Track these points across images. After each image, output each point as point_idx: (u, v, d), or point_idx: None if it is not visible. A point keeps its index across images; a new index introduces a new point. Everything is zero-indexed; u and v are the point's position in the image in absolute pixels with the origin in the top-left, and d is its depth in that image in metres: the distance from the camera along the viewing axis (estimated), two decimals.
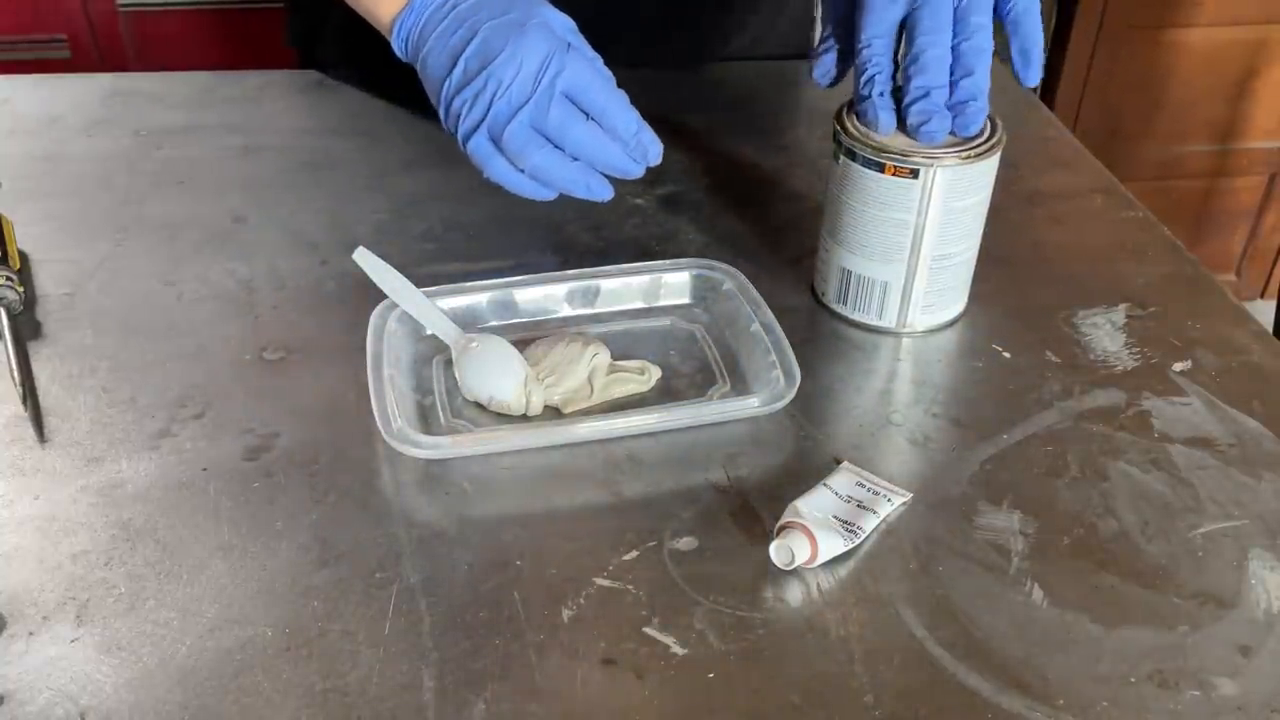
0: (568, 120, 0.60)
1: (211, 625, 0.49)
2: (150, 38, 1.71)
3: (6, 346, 0.63)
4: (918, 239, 0.63)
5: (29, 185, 0.80)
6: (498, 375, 0.60)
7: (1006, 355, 0.66)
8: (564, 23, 0.62)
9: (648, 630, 0.49)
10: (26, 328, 0.66)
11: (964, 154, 0.61)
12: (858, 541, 0.52)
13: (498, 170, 0.63)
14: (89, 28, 1.70)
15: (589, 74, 0.60)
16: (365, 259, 0.64)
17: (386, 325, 0.63)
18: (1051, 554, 0.54)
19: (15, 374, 0.61)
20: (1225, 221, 2.11)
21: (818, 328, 0.68)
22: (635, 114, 0.61)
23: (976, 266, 0.68)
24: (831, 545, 0.51)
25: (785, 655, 0.48)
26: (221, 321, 0.67)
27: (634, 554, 0.53)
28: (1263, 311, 2.09)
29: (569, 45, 0.60)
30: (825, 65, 0.68)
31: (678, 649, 0.48)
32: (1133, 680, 0.48)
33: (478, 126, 0.61)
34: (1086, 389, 0.64)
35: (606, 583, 0.51)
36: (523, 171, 0.61)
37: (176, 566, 0.52)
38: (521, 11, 0.61)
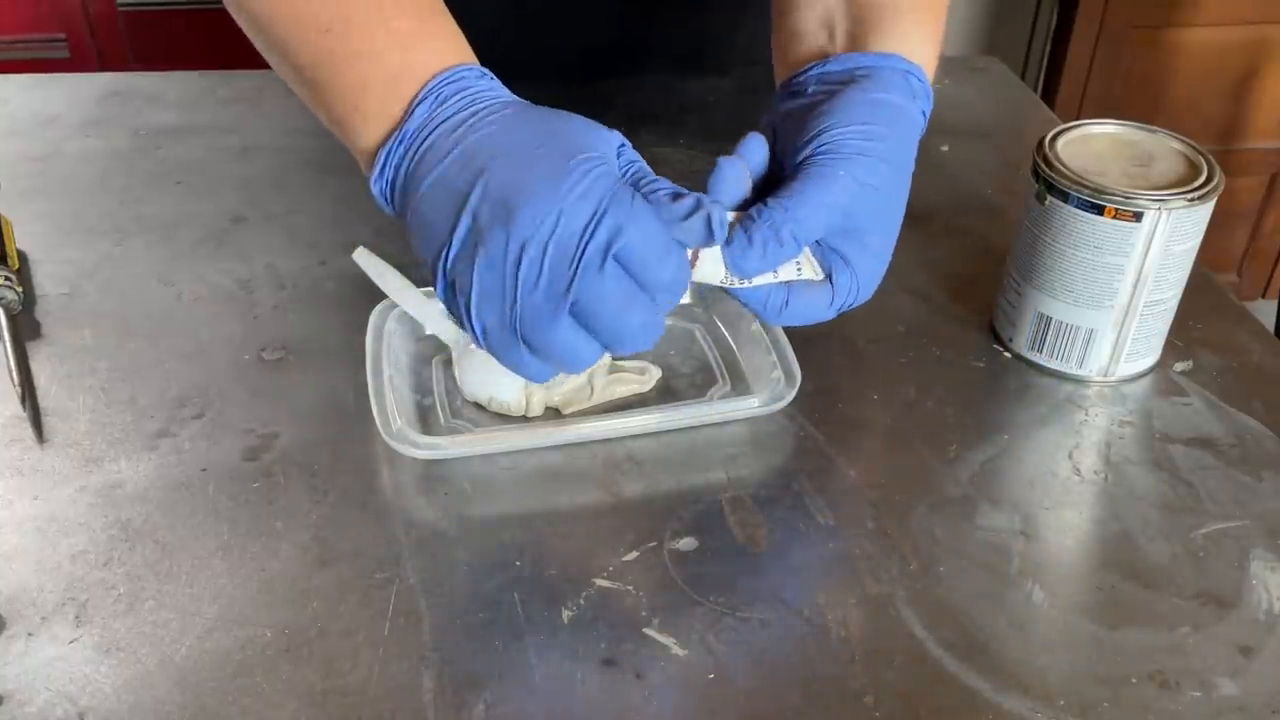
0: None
1: (211, 625, 0.49)
2: (149, 37, 1.71)
3: (5, 347, 0.63)
4: (1136, 284, 0.60)
5: (27, 185, 0.80)
6: (498, 376, 0.60)
7: (1007, 355, 0.66)
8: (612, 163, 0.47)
9: (648, 631, 0.49)
10: (25, 328, 0.66)
11: (1190, 197, 0.58)
12: (732, 283, 0.49)
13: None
14: (88, 27, 1.70)
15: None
16: (365, 259, 0.64)
17: (386, 325, 0.63)
18: (1052, 554, 0.54)
19: (14, 374, 0.61)
20: (1226, 222, 2.11)
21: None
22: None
23: (976, 265, 0.68)
24: (710, 269, 0.48)
25: (785, 655, 0.48)
26: (221, 321, 0.67)
27: (634, 554, 0.53)
28: (1264, 312, 2.09)
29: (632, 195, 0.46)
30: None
31: (678, 649, 0.48)
32: (1134, 681, 0.48)
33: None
34: (1087, 388, 0.64)
35: (606, 583, 0.51)
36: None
37: (176, 567, 0.52)
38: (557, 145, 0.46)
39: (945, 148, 0.86)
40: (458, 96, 0.49)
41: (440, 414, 0.60)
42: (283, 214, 0.77)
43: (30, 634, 0.48)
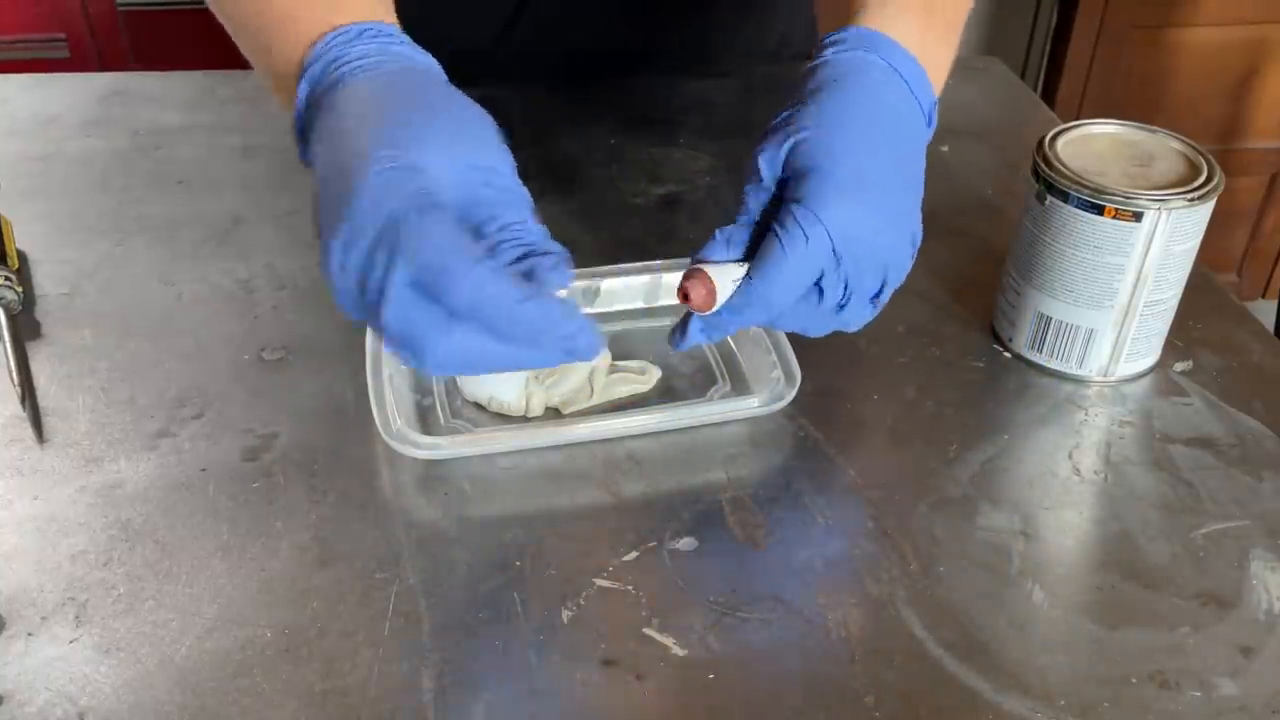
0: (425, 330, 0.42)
1: (211, 626, 0.49)
2: (149, 37, 1.71)
3: (5, 347, 0.63)
4: (1136, 284, 0.60)
5: (27, 185, 0.80)
6: (498, 376, 0.60)
7: (1007, 355, 0.66)
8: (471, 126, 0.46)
9: (648, 631, 0.49)
10: (25, 328, 0.66)
11: (1190, 197, 0.58)
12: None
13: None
14: (88, 27, 1.70)
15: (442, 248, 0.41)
16: None
17: None
18: (1052, 554, 0.54)
19: (14, 374, 0.61)
20: (1226, 222, 2.11)
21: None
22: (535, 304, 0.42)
23: (976, 265, 0.68)
24: (727, 282, 0.48)
25: (785, 655, 0.48)
26: (220, 321, 0.67)
27: (634, 554, 0.53)
28: (1264, 312, 2.09)
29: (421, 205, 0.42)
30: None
31: (678, 649, 0.48)
32: (1134, 681, 0.48)
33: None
34: (1087, 388, 0.64)
35: (606, 583, 0.51)
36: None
37: (175, 567, 0.52)
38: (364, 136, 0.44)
39: (945, 148, 0.85)
40: (333, 68, 0.49)
41: (440, 414, 0.60)
42: (283, 214, 0.77)
43: (30, 634, 0.48)
